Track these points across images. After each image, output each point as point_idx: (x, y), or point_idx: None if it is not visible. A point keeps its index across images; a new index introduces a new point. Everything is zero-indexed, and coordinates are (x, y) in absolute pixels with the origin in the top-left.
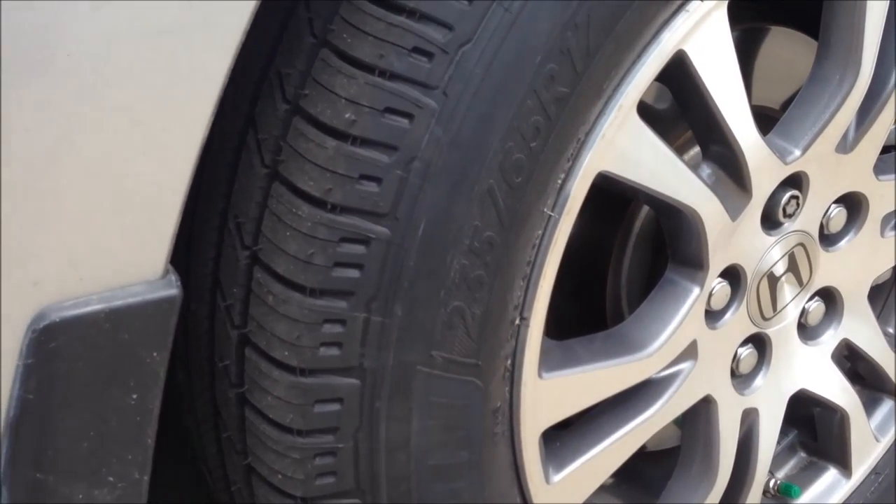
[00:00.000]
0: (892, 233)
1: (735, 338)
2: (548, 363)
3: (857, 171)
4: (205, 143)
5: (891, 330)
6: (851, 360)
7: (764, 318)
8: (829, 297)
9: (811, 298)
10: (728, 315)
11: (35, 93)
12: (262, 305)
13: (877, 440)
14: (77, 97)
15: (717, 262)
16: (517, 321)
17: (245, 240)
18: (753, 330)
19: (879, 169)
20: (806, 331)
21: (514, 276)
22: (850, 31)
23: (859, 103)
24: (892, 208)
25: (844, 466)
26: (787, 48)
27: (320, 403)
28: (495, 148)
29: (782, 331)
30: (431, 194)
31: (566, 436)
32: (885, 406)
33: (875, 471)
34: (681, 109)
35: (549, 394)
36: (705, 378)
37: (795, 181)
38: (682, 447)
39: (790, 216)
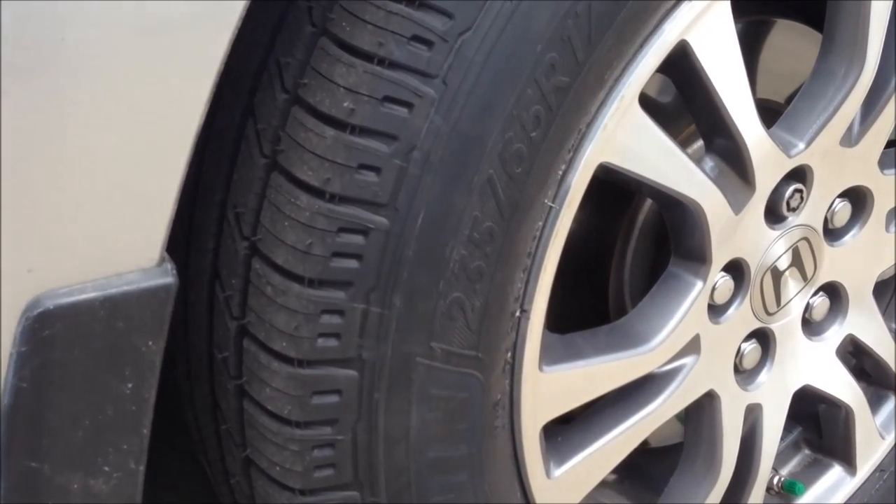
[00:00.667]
0: None
1: (738, 333)
2: (549, 356)
3: (861, 165)
4: (204, 135)
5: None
6: (857, 357)
7: (768, 313)
8: (833, 292)
9: (816, 293)
10: (731, 310)
11: (30, 83)
12: (260, 296)
13: (882, 437)
14: (71, 87)
15: (720, 255)
16: (518, 313)
17: (244, 230)
18: (757, 325)
19: (885, 163)
20: (810, 326)
21: (514, 267)
22: (855, 25)
23: (864, 97)
24: None
25: (849, 464)
26: (792, 42)
27: (319, 395)
28: (495, 138)
29: (786, 326)
30: (431, 184)
31: (568, 430)
32: (891, 403)
33: (880, 468)
34: (684, 101)
35: (550, 387)
36: (708, 373)
37: (799, 175)
38: (685, 443)
39: (794, 210)
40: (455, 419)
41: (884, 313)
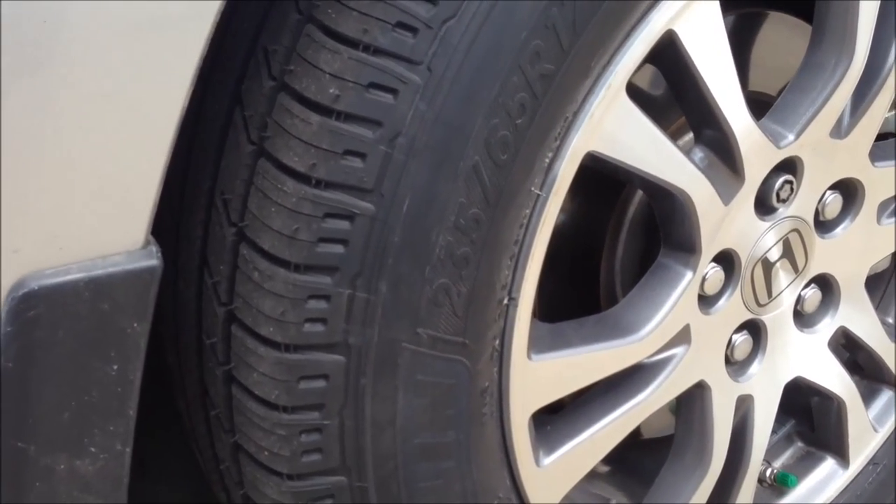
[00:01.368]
0: (890, 220)
1: (729, 324)
2: (537, 345)
3: (852, 157)
4: (193, 123)
5: (890, 320)
6: (850, 350)
7: (759, 305)
8: (825, 284)
9: (807, 286)
10: (722, 301)
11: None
12: (247, 282)
13: (875, 430)
14: (56, 74)
15: (710, 246)
16: (505, 301)
17: (231, 217)
18: (748, 316)
19: (876, 155)
20: (802, 318)
21: (501, 254)
22: (844, 17)
23: (853, 88)
24: (889, 195)
25: (842, 456)
26: (784, 34)
27: (305, 380)
28: (480, 124)
29: (778, 318)
30: (416, 170)
31: (557, 419)
32: (884, 396)
33: (873, 461)
34: (672, 92)
35: (538, 375)
36: (699, 363)
37: (789, 166)
38: (676, 434)
39: (784, 201)
40: (442, 405)
41: (877, 307)
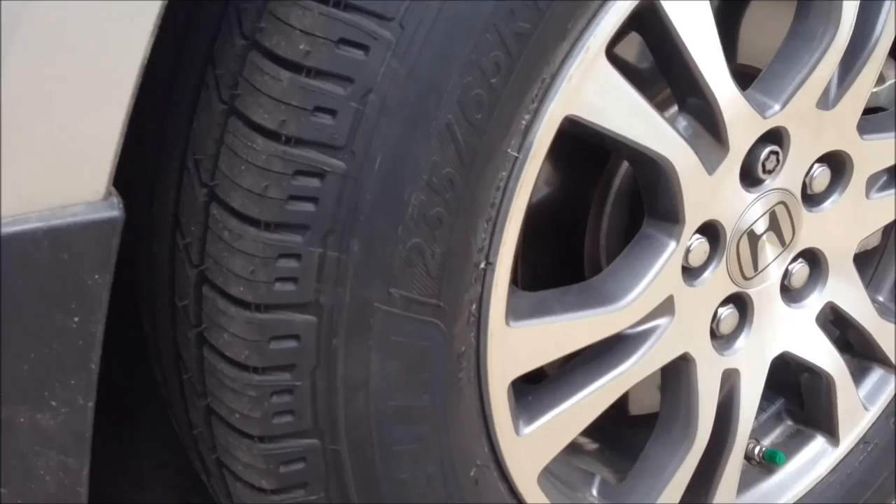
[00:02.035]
0: (879, 195)
1: (715, 296)
2: (517, 312)
3: (839, 129)
4: (167, 85)
5: (881, 297)
6: (839, 328)
7: (745, 278)
8: (813, 259)
9: (794, 260)
10: (707, 273)
11: None
12: (218, 242)
13: (866, 409)
14: (11, 16)
15: (694, 216)
16: (482, 265)
17: (203, 177)
18: (734, 289)
19: (864, 129)
20: (790, 293)
21: (477, 216)
22: None
23: (839, 59)
24: (878, 169)
25: (832, 434)
26: (773, 6)
27: (276, 340)
28: (454, 82)
29: (764, 291)
30: (388, 128)
31: (538, 389)
32: (875, 374)
33: (864, 440)
34: (657, 62)
35: (517, 342)
36: (683, 335)
37: (775, 137)
38: (662, 407)
39: (770, 172)
40: (417, 368)
41: (868, 285)
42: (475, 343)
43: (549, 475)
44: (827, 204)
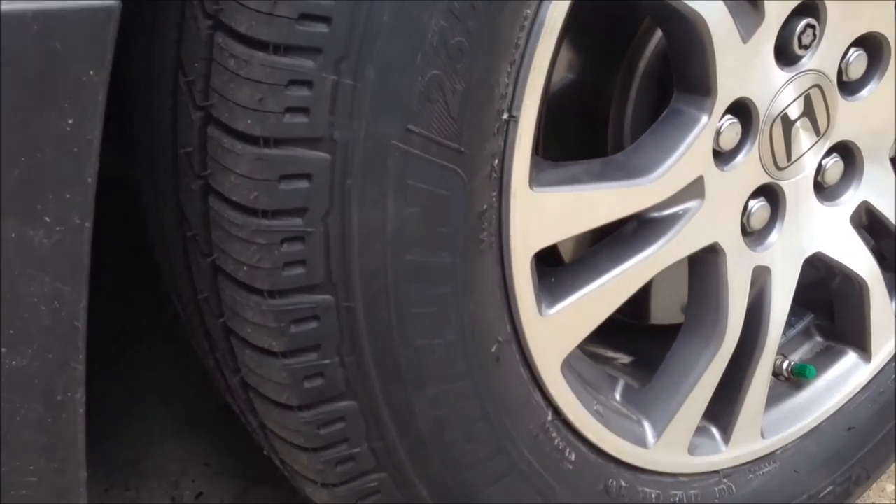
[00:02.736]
0: None
1: (747, 185)
2: (541, 178)
3: (877, 9)
4: None
5: None
6: (874, 235)
7: (778, 168)
8: (847, 153)
9: (829, 154)
10: (739, 157)
11: None
12: (224, 73)
13: None
14: None
15: (727, 90)
16: (505, 115)
17: (206, 8)
18: (766, 179)
19: None
20: (823, 190)
21: (500, 54)
22: None
23: None
24: None
25: (863, 349)
26: None
27: (287, 179)
28: None
29: (797, 185)
30: None
31: (562, 271)
32: None
33: None
34: None
35: (541, 209)
36: (712, 223)
37: (811, 10)
38: (689, 304)
39: (806, 48)
40: (436, 220)
41: None
42: (497, 204)
43: (573, 371)
44: (864, 92)
